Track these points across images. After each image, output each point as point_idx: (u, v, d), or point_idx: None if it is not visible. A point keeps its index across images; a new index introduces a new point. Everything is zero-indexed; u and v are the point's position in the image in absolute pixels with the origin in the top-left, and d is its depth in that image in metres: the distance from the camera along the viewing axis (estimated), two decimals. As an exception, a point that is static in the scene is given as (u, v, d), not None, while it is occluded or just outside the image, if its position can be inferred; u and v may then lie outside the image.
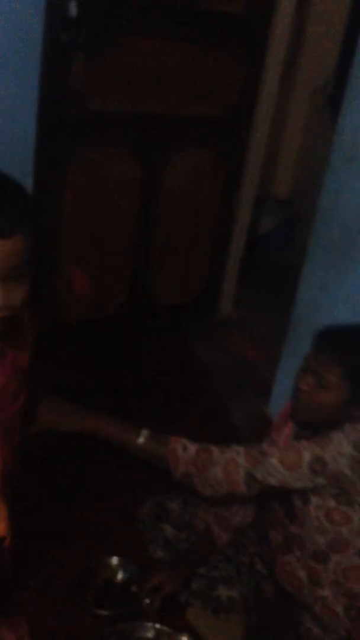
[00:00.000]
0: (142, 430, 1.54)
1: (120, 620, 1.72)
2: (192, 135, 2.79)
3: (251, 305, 3.34)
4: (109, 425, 1.52)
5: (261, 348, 2.98)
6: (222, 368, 2.90)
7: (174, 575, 1.74)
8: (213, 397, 2.74)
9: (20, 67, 2.16)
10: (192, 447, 1.54)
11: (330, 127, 3.64)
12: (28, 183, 2.45)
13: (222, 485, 1.53)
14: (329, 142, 2.14)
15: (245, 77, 2.83)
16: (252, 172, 3.08)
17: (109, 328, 2.89)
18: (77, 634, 1.73)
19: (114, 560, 1.86)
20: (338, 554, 1.61)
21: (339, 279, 2.09)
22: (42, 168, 2.35)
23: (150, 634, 1.69)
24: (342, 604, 1.63)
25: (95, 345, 2.78)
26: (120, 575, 1.85)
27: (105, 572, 1.84)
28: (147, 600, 1.71)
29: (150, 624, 1.69)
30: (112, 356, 2.80)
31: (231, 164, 2.96)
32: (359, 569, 1.61)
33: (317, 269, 2.22)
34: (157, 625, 1.69)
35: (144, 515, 1.91)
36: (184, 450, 1.54)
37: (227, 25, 2.67)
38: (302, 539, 1.64)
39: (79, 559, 1.89)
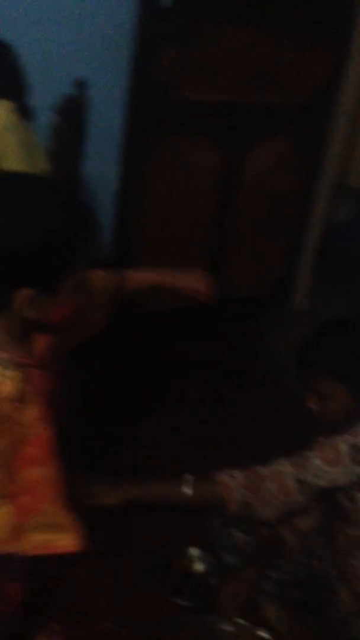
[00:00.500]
0: (184, 477, 1.52)
1: (198, 611, 1.74)
2: (273, 124, 2.75)
3: (326, 298, 3.29)
4: (149, 487, 1.51)
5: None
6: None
7: (246, 583, 1.74)
8: (286, 389, 2.73)
9: (112, 57, 2.16)
10: (239, 473, 1.53)
11: None
12: (115, 172, 2.47)
13: (278, 498, 1.53)
14: None
15: (328, 65, 2.77)
16: (332, 162, 3.02)
17: (182, 318, 2.89)
18: (154, 621, 1.75)
19: (193, 551, 1.88)
20: None
21: None
22: (128, 156, 2.36)
23: (228, 627, 1.71)
24: None
25: (168, 334, 2.79)
26: (198, 567, 1.87)
27: (183, 562, 1.87)
28: (226, 610, 1.72)
29: (229, 617, 1.70)
30: (184, 346, 2.80)
31: (311, 153, 2.92)
32: None
33: None
34: (235, 619, 1.71)
35: (213, 521, 1.90)
36: (232, 478, 1.53)
37: (311, 12, 2.61)
38: (357, 539, 1.63)
39: (157, 547, 1.92)
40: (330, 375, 1.54)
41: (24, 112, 1.62)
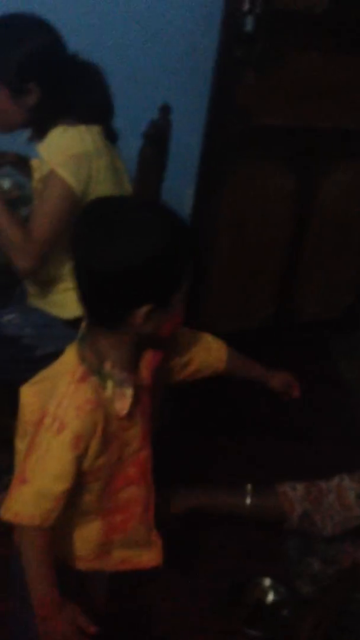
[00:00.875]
0: (246, 486, 1.52)
1: (272, 643, 1.71)
2: (350, 148, 2.73)
3: None
4: (214, 496, 1.51)
5: None
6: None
7: (328, 611, 1.69)
8: (354, 414, 2.68)
9: (193, 80, 2.19)
10: (300, 485, 1.52)
11: None
12: (190, 193, 2.49)
13: (339, 512, 1.51)
14: None
15: None
16: None
17: (252, 341, 2.87)
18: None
19: (266, 581, 1.85)
20: None
21: None
22: (204, 179, 2.38)
23: (302, 660, 1.66)
24: None
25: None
26: (271, 597, 1.83)
27: (257, 591, 1.84)
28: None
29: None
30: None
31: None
32: None
33: None
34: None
35: (289, 548, 1.84)
36: (294, 491, 1.52)
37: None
38: None
39: (230, 575, 1.90)
40: None
41: (111, 136, 1.64)
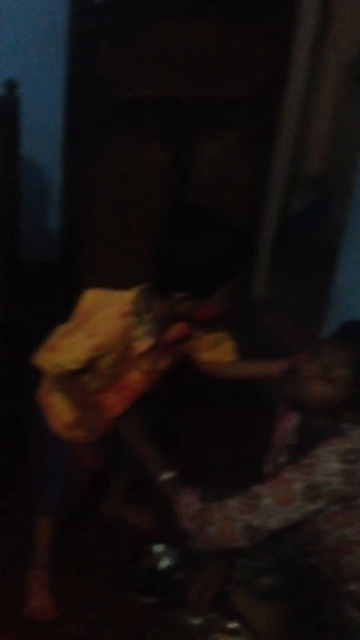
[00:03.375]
0: (168, 471, 1.62)
1: (167, 607, 1.73)
2: (222, 117, 2.75)
3: (285, 286, 3.30)
4: (147, 451, 1.63)
5: (297, 328, 2.95)
6: (257, 349, 2.88)
7: (215, 575, 1.73)
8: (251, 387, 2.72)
9: (46, 55, 2.14)
10: (195, 506, 1.56)
11: (361, 102, 3.59)
12: (57, 171, 2.45)
13: (219, 543, 1.55)
14: (360, 117, 2.09)
15: (274, 56, 2.77)
16: (283, 152, 3.02)
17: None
18: (123, 621, 1.75)
19: (159, 547, 1.87)
20: (347, 554, 1.58)
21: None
22: (72, 156, 2.34)
23: (197, 620, 1.71)
24: None
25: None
26: (164, 563, 1.86)
27: (149, 559, 1.86)
28: (196, 604, 1.71)
29: (196, 610, 1.70)
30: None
31: (262, 143, 2.91)
32: None
33: (355, 248, 2.18)
34: (203, 611, 1.70)
35: None
36: (188, 507, 1.57)
37: (254, 4, 2.61)
38: (313, 537, 1.64)
39: (123, 546, 1.91)
40: (354, 369, 1.48)
41: None
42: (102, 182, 2.54)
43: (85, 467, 1.71)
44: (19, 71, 1.73)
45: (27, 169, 1.91)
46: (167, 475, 1.60)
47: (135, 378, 1.58)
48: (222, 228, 1.41)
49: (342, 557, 1.60)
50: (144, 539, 1.92)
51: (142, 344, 1.50)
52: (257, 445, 1.76)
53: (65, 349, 1.47)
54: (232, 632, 1.70)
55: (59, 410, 1.63)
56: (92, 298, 1.52)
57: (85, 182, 2.50)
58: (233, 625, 1.70)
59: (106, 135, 2.46)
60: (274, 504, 1.49)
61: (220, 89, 2.69)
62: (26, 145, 1.74)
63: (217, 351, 1.68)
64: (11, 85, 1.65)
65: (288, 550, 1.81)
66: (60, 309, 1.58)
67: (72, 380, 1.55)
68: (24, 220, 1.81)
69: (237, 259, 1.42)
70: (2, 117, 1.61)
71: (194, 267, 1.39)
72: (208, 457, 2.28)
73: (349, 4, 3.58)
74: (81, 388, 1.57)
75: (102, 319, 1.46)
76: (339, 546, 1.59)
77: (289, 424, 1.70)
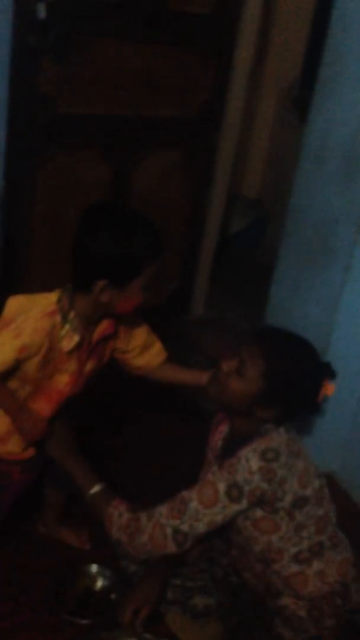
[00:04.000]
0: (97, 484, 1.65)
1: (101, 628, 1.71)
2: (162, 137, 2.78)
3: (223, 305, 3.34)
4: (75, 465, 1.67)
5: (234, 346, 2.98)
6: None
7: (148, 596, 1.72)
8: (186, 397, 2.74)
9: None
10: (126, 515, 1.59)
11: (297, 127, 3.68)
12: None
13: (151, 551, 1.58)
14: (296, 142, 2.15)
15: (214, 78, 2.83)
16: (223, 172, 3.08)
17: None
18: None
19: (93, 567, 1.85)
20: (275, 562, 1.63)
21: (311, 280, 2.10)
22: (13, 171, 2.32)
23: (130, 641, 1.69)
24: (304, 608, 1.64)
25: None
26: (99, 583, 1.84)
27: (84, 580, 1.83)
28: (130, 626, 1.69)
29: (131, 631, 1.68)
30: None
31: (201, 164, 2.96)
32: (299, 575, 1.63)
33: (289, 269, 2.23)
34: (137, 631, 1.69)
35: None
36: (119, 517, 1.60)
37: (194, 26, 2.66)
38: (242, 547, 1.67)
39: (57, 567, 1.88)
40: (266, 367, 1.55)
41: None
42: (43, 198, 2.53)
43: (13, 481, 1.70)
44: None
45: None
46: (96, 488, 1.63)
47: (63, 381, 1.61)
48: (134, 219, 1.51)
49: (271, 566, 1.63)
50: (78, 559, 1.90)
51: (68, 342, 1.54)
52: (192, 459, 1.77)
53: None
54: (167, 652, 1.69)
55: None
56: (15, 303, 1.55)
57: (26, 197, 2.48)
58: (168, 645, 1.70)
59: (48, 151, 2.45)
60: (199, 506, 1.54)
61: (161, 108, 2.73)
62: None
63: (147, 354, 1.77)
64: None
65: (220, 568, 1.82)
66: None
67: (1, 384, 1.57)
68: None
69: (148, 248, 1.50)
70: None
71: (110, 254, 1.47)
72: (140, 470, 2.27)
73: (287, 29, 3.69)
74: (11, 394, 1.59)
75: (27, 320, 1.50)
76: (266, 554, 1.61)
77: (220, 435, 1.73)
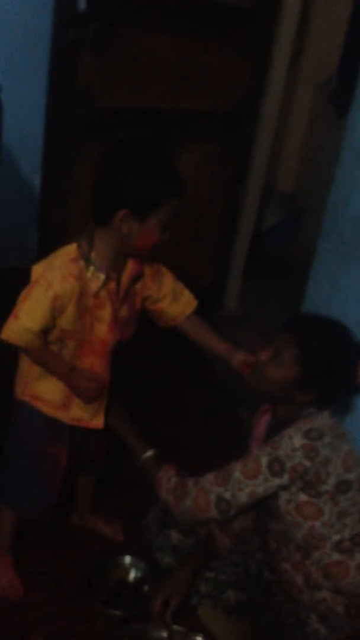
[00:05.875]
0: (150, 449, 1.74)
1: (133, 620, 1.72)
2: (198, 130, 2.77)
3: (256, 301, 3.33)
4: (131, 433, 1.76)
5: (267, 343, 2.97)
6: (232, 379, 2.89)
7: (179, 586, 1.73)
8: (219, 393, 2.74)
9: (29, 64, 2.14)
10: (175, 479, 1.69)
11: (333, 122, 3.65)
12: (36, 178, 2.44)
13: (194, 515, 1.65)
14: (332, 136, 2.13)
15: (252, 71, 2.81)
16: (258, 166, 3.06)
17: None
18: (89, 634, 1.73)
19: (126, 559, 1.86)
20: (317, 550, 1.62)
21: (349, 277, 2.07)
22: (51, 163, 2.34)
23: (162, 634, 1.69)
24: (342, 604, 1.64)
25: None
26: (132, 575, 1.85)
27: (117, 571, 1.84)
28: (159, 616, 1.70)
29: (162, 624, 1.69)
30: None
31: (237, 158, 2.95)
32: (340, 564, 1.62)
33: (326, 266, 2.20)
34: (170, 625, 1.69)
35: (148, 522, 1.90)
36: (168, 480, 1.69)
37: (233, 19, 2.65)
38: (283, 535, 1.66)
39: (91, 558, 1.89)
40: (299, 352, 1.59)
41: None
42: (80, 189, 2.53)
43: (60, 467, 1.73)
44: (3, 77, 1.72)
45: (5, 174, 1.90)
46: (149, 453, 1.73)
47: (103, 330, 1.62)
48: (156, 158, 1.54)
49: (311, 555, 1.62)
50: (112, 550, 1.90)
51: (96, 283, 1.56)
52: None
53: (27, 310, 1.52)
54: (198, 646, 1.69)
55: (47, 394, 1.65)
56: (38, 267, 1.57)
57: (63, 189, 2.49)
58: (199, 639, 1.69)
59: (85, 143, 2.46)
60: (242, 477, 1.60)
61: (198, 102, 2.72)
62: (6, 149, 1.73)
63: (179, 302, 1.78)
64: (-6, 89, 1.64)
65: (254, 562, 1.82)
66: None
67: (46, 349, 1.59)
68: (2, 225, 1.79)
69: (168, 184, 1.52)
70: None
71: (131, 184, 1.49)
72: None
73: (325, 23, 3.66)
74: (57, 357, 1.61)
75: (53, 271, 1.53)
76: (309, 540, 1.61)
77: (264, 425, 1.76)
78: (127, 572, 1.85)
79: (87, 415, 1.69)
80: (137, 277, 1.66)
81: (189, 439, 2.45)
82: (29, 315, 1.51)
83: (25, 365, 1.65)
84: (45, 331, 1.55)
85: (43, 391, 1.65)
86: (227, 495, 1.60)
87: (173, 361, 2.82)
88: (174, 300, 1.76)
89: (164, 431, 2.37)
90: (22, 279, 2.28)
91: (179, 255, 2.96)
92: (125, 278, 1.62)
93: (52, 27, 2.09)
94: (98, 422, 1.71)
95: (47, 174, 2.31)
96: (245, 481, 1.59)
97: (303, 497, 1.59)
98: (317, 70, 3.79)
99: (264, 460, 1.57)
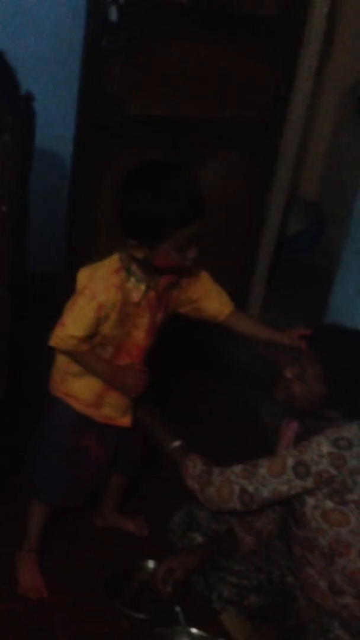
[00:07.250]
0: (176, 440, 1.79)
1: (157, 623, 1.73)
2: (225, 137, 2.79)
3: (279, 307, 3.33)
4: (159, 425, 1.81)
5: (292, 352, 2.96)
6: (251, 370, 2.90)
7: (185, 559, 1.76)
8: (241, 399, 2.75)
9: (61, 73, 2.17)
10: (200, 467, 1.73)
11: (358, 128, 3.65)
12: (66, 185, 2.47)
13: (217, 504, 1.69)
14: (357, 143, 2.13)
15: (278, 80, 2.82)
16: (284, 174, 3.07)
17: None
18: (113, 636, 1.75)
19: (150, 563, 1.87)
20: (342, 557, 1.62)
21: (374, 285, 2.08)
22: (80, 171, 2.37)
23: (186, 638, 1.70)
24: None
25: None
26: (156, 579, 1.86)
27: (141, 575, 1.86)
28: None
29: (186, 628, 1.70)
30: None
31: (263, 165, 2.96)
32: None
33: (351, 273, 2.21)
34: (193, 630, 1.71)
35: (174, 525, 1.91)
36: (194, 468, 1.73)
37: (261, 28, 2.66)
38: (308, 541, 1.67)
39: (116, 561, 1.91)
40: (324, 370, 1.60)
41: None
42: (109, 197, 2.56)
43: (90, 458, 1.78)
44: (36, 85, 1.76)
45: (36, 180, 1.93)
46: (176, 443, 1.78)
47: (140, 336, 1.69)
48: (168, 183, 1.53)
49: (336, 562, 1.63)
50: (136, 554, 1.92)
51: (137, 293, 1.62)
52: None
53: (73, 318, 1.60)
54: (221, 651, 1.70)
55: (81, 393, 1.73)
56: (85, 273, 1.63)
57: (92, 196, 2.52)
58: (222, 643, 1.71)
59: (114, 151, 2.49)
60: (267, 474, 1.63)
61: (225, 110, 2.73)
62: (36, 158, 1.77)
63: (215, 301, 1.82)
64: (28, 98, 1.67)
65: (277, 568, 1.83)
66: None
67: (90, 352, 1.66)
68: (31, 231, 1.83)
69: (174, 213, 1.51)
70: (20, 128, 1.63)
71: (134, 216, 1.53)
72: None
73: (350, 30, 3.65)
74: (102, 359, 1.68)
75: (97, 281, 1.60)
76: (334, 547, 1.62)
77: (292, 433, 1.77)
78: (150, 575, 1.86)
79: (117, 414, 1.76)
80: (172, 285, 1.71)
81: (208, 439, 2.45)
82: (74, 323, 1.59)
83: (63, 363, 1.71)
84: (89, 337, 1.63)
85: (77, 390, 1.72)
86: (251, 488, 1.64)
87: (193, 362, 2.84)
88: (212, 299, 1.81)
89: (182, 431, 2.38)
90: (51, 284, 2.32)
91: (205, 262, 2.98)
92: (161, 286, 1.67)
93: (84, 36, 2.12)
94: (127, 420, 1.78)
95: (76, 182, 2.34)
96: (269, 478, 1.62)
97: (329, 504, 1.60)
98: (343, 76, 3.78)
99: (290, 462, 1.60)
